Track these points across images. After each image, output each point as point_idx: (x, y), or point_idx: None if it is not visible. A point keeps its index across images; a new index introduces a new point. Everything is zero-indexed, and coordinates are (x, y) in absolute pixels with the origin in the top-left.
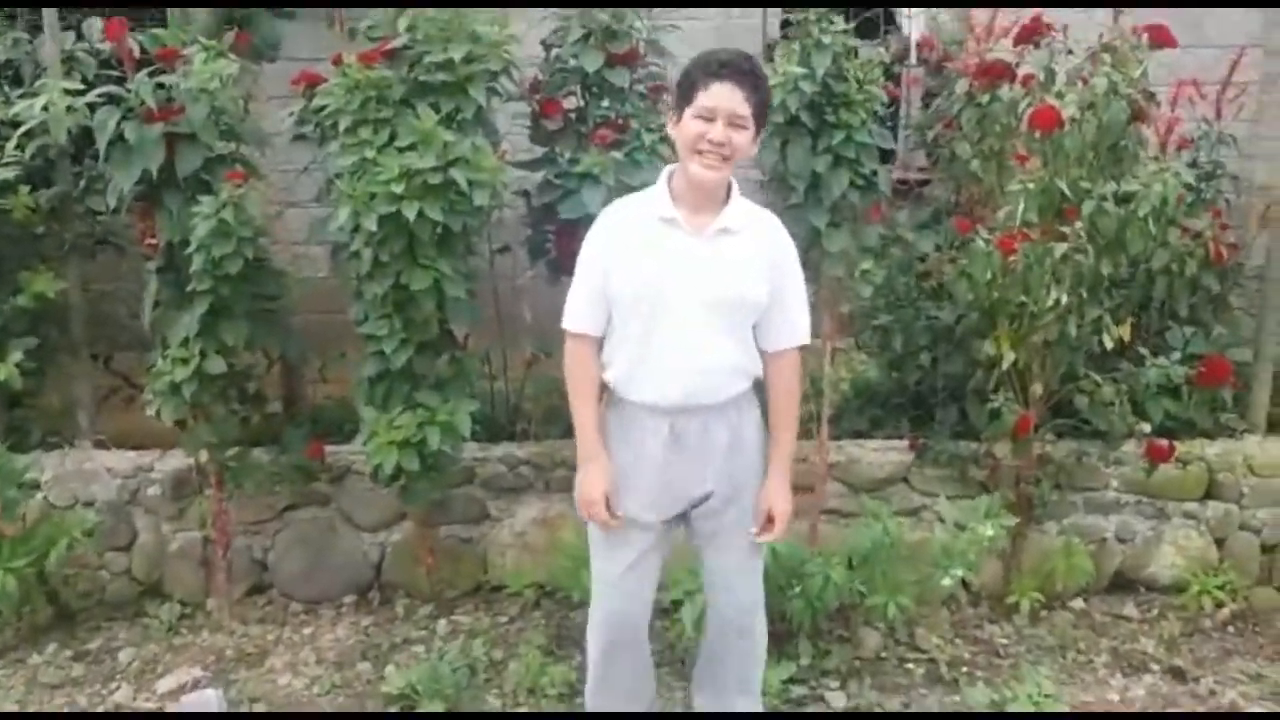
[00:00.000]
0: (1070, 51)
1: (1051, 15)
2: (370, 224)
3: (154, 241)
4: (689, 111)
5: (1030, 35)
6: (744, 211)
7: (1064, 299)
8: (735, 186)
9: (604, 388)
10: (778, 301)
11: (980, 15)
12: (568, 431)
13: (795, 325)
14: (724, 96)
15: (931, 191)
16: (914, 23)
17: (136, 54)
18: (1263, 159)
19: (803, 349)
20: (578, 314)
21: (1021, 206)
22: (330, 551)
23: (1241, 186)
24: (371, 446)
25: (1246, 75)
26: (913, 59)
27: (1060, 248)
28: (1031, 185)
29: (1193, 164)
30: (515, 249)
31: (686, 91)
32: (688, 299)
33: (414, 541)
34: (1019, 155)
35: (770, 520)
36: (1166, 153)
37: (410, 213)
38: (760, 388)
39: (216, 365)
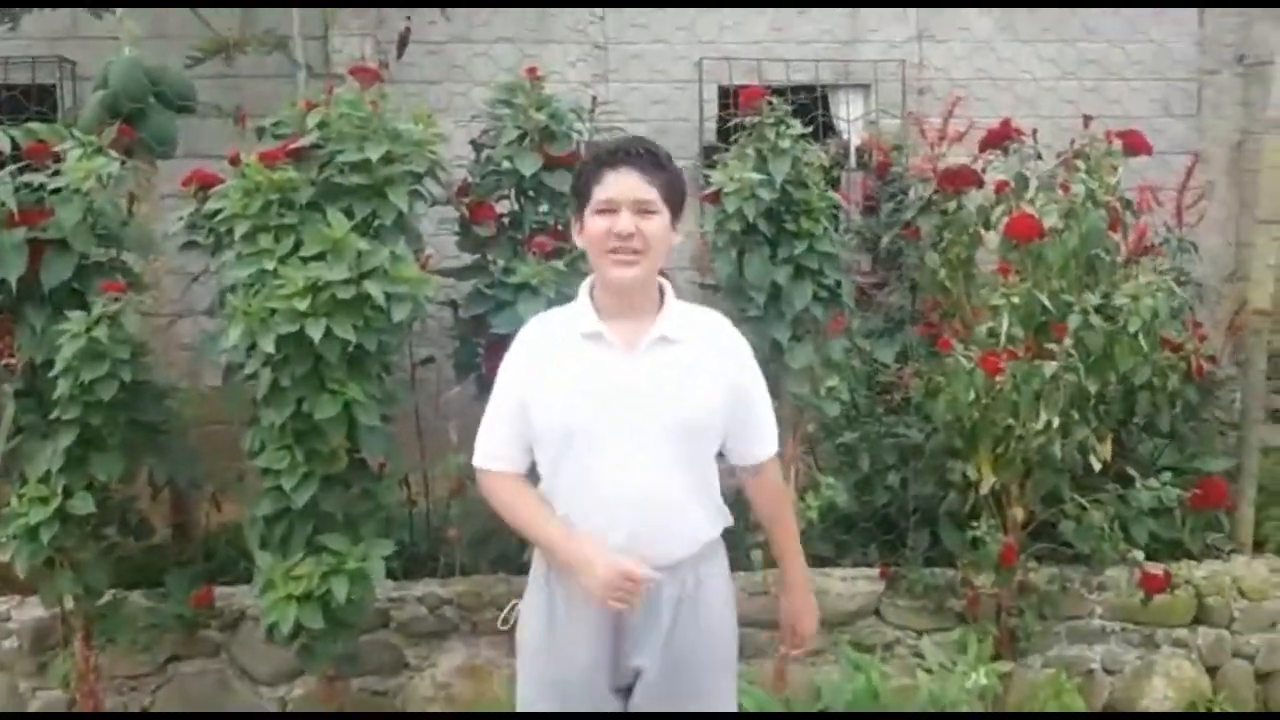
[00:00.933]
0: (1039, 157)
1: (1020, 120)
2: (268, 344)
3: (12, 361)
4: (589, 211)
5: (998, 140)
6: (683, 316)
7: (1055, 421)
8: (670, 288)
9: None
10: (743, 415)
11: (932, 119)
12: (498, 563)
13: (766, 434)
14: (621, 183)
15: (885, 298)
16: (853, 126)
17: (7, 150)
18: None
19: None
20: (492, 453)
21: (1006, 323)
22: (221, 710)
23: (1205, 293)
24: (266, 602)
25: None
26: (852, 163)
27: (1050, 367)
28: (1016, 299)
29: (1154, 271)
30: (440, 360)
31: (583, 190)
32: (628, 428)
33: (320, 697)
34: (1002, 266)
35: (797, 635)
36: (1139, 261)
37: (316, 332)
38: (727, 534)
39: (84, 505)
